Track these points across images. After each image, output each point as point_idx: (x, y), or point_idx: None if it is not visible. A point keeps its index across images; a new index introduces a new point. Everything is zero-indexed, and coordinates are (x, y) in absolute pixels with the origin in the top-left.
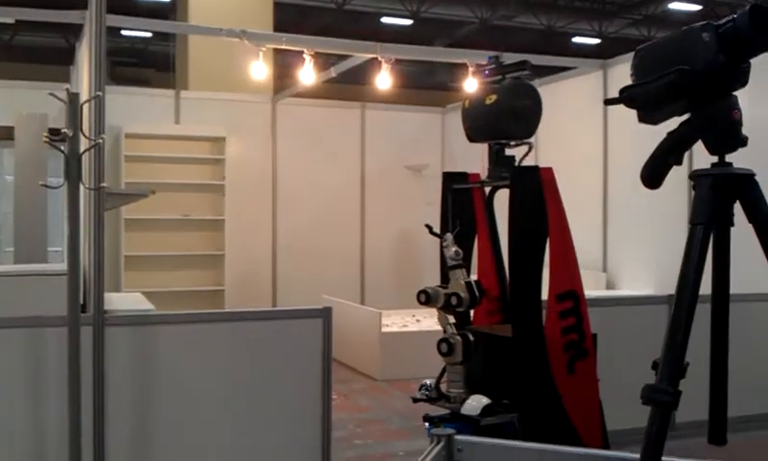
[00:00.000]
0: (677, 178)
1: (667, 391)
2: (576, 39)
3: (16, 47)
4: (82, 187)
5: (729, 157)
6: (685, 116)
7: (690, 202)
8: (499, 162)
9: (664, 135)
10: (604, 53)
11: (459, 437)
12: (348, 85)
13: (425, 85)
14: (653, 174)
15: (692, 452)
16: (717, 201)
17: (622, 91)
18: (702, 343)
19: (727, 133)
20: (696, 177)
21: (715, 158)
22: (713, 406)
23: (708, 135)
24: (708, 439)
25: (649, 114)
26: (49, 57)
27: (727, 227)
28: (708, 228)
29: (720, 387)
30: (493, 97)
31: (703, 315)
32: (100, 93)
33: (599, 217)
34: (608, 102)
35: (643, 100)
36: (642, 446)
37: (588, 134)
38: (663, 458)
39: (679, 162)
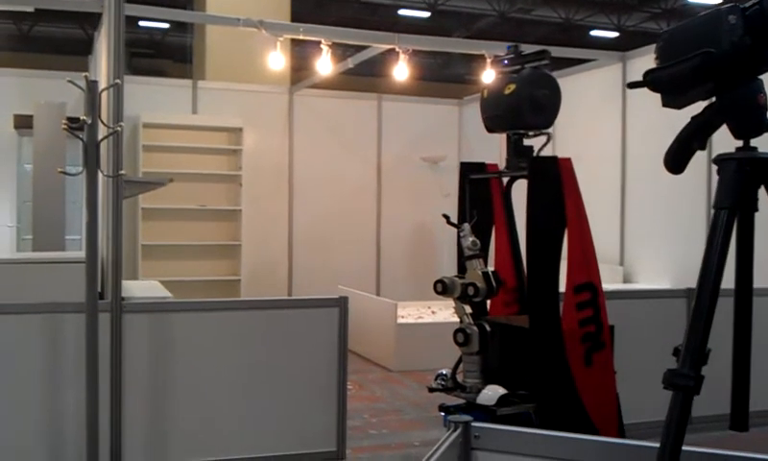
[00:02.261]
0: (696, 173)
1: (689, 375)
2: (594, 33)
3: (35, 38)
4: (100, 175)
5: (754, 142)
6: (710, 100)
7: (710, 196)
8: (517, 153)
9: (687, 122)
10: (622, 46)
11: (476, 424)
12: (365, 78)
13: (442, 78)
14: (676, 159)
15: (711, 445)
16: (742, 185)
17: (646, 75)
18: (720, 337)
19: (752, 117)
20: (720, 161)
21: (740, 143)
22: (735, 392)
23: (733, 119)
24: (729, 425)
25: (673, 98)
26: (67, 47)
27: (751, 212)
28: (732, 212)
29: (743, 373)
30: (512, 87)
31: (723, 308)
32: (119, 81)
33: (617, 211)
34: (631, 85)
35: (667, 83)
36: (663, 432)
37: (607, 128)
38: (683, 447)
39: (702, 147)
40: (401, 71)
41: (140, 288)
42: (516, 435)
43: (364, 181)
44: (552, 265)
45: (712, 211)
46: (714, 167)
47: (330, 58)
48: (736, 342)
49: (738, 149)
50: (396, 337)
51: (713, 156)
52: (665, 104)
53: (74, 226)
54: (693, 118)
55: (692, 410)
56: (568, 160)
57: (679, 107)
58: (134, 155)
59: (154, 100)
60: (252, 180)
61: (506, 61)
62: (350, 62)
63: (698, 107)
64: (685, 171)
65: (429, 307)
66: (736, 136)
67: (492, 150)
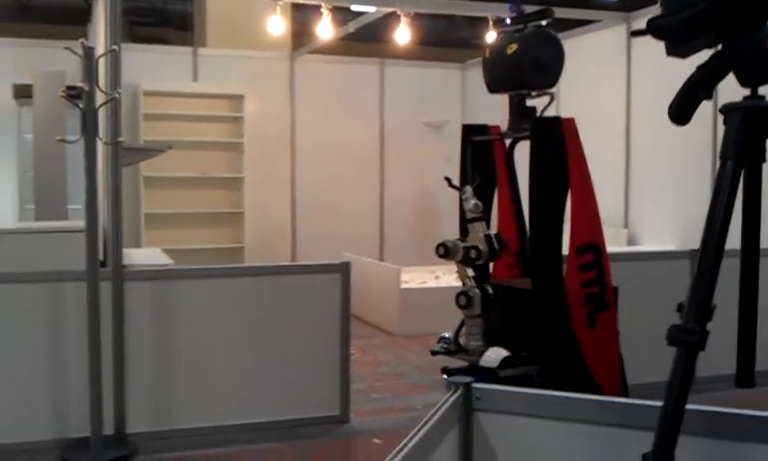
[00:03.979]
0: (701, 134)
1: (694, 330)
2: None
3: (34, 8)
4: (99, 142)
5: (762, 90)
6: (716, 48)
7: (715, 158)
8: (520, 113)
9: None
10: (626, 8)
11: (477, 385)
12: (367, 44)
13: (445, 43)
14: (681, 109)
15: (715, 403)
16: (748, 135)
17: (650, 22)
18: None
19: (759, 65)
20: (727, 110)
21: (747, 91)
22: (741, 348)
23: (740, 67)
24: (735, 383)
25: (677, 47)
26: (66, 17)
27: (758, 162)
28: (738, 163)
29: (749, 328)
30: (514, 46)
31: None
32: (116, 47)
33: (621, 173)
34: (634, 33)
35: (671, 31)
36: (665, 390)
37: (611, 89)
38: (687, 406)
39: (709, 97)
40: (403, 35)
41: (142, 256)
42: (518, 396)
43: (366, 147)
44: (555, 227)
45: (718, 163)
46: (720, 126)
47: (331, 22)
48: (742, 296)
49: (746, 98)
50: (399, 302)
51: (720, 106)
52: (670, 53)
53: (77, 195)
54: (698, 67)
55: (696, 370)
56: (572, 121)
57: (683, 56)
58: (135, 123)
59: (154, 68)
60: (253, 147)
61: (508, 21)
62: (351, 27)
63: (703, 56)
64: (690, 133)
65: (433, 272)
66: (743, 85)
67: (496, 114)
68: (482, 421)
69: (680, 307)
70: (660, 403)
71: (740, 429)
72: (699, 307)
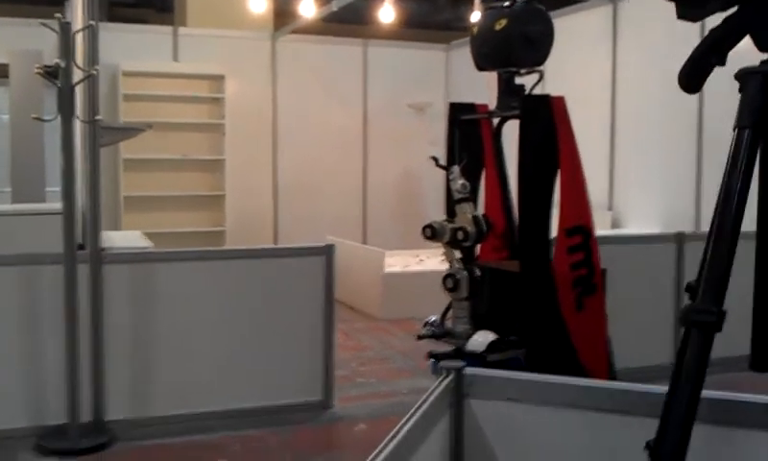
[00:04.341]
0: (687, 116)
1: (710, 310)
2: None
3: None
4: (76, 121)
5: None
6: (730, 11)
7: (700, 141)
8: (508, 91)
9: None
10: None
11: (469, 369)
12: (349, 25)
13: (428, 25)
14: (692, 76)
15: (727, 388)
16: (766, 102)
17: None
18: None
19: None
20: (743, 75)
21: (765, 56)
22: (756, 330)
23: (757, 30)
24: (749, 365)
25: (689, 9)
26: None
27: None
28: (756, 131)
29: (764, 309)
30: (503, 22)
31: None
32: (93, 22)
33: (606, 155)
34: None
35: None
36: (674, 375)
37: (596, 70)
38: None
39: (722, 62)
40: (387, 13)
41: (122, 239)
42: (511, 381)
43: (349, 129)
44: (544, 208)
45: (704, 145)
46: (707, 109)
47: (314, 2)
48: (758, 275)
49: (763, 62)
50: (382, 286)
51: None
52: (681, 15)
53: (55, 178)
54: (712, 30)
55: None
56: (561, 99)
57: (695, 19)
58: (114, 104)
59: (133, 48)
60: (234, 128)
61: None
62: (334, 6)
63: (716, 19)
64: (676, 115)
65: (416, 256)
66: (760, 48)
67: (480, 96)
68: (474, 407)
69: (689, 287)
70: (658, 388)
71: (748, 416)
72: (716, 285)
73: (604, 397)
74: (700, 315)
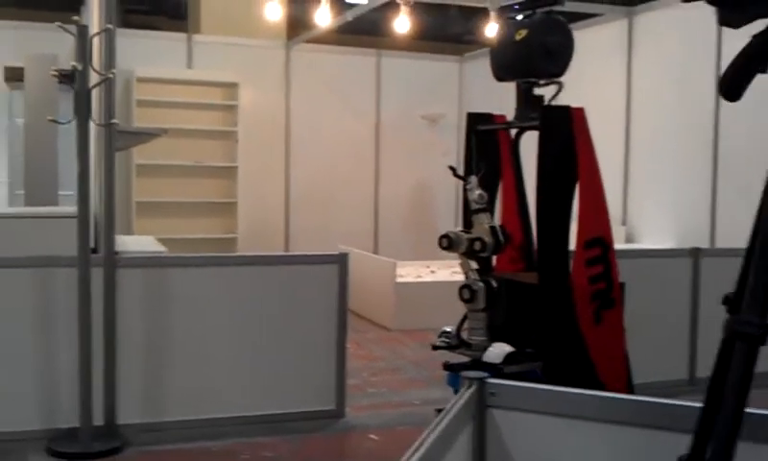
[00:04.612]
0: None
1: (752, 323)
2: None
3: None
4: (92, 124)
5: None
6: None
7: (716, 156)
8: (528, 102)
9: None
10: (628, 2)
11: (492, 380)
12: (363, 36)
13: (441, 38)
14: (733, 84)
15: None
16: None
17: None
18: None
19: None
20: None
21: None
22: None
23: None
24: None
25: (731, 13)
26: (58, 3)
27: None
28: None
29: None
30: (523, 32)
31: None
32: (110, 26)
33: (620, 170)
34: None
35: None
36: (710, 390)
37: (611, 85)
38: None
39: (764, 70)
40: (402, 24)
41: (135, 243)
42: (535, 392)
43: (362, 139)
44: (563, 220)
45: (719, 160)
46: (722, 123)
47: (329, 10)
48: None
49: None
50: (395, 296)
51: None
52: (722, 21)
53: (68, 182)
54: (754, 36)
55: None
56: (581, 111)
57: (737, 25)
58: (128, 109)
59: (148, 54)
60: (248, 136)
61: (517, 6)
62: (349, 16)
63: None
64: (691, 129)
65: (428, 267)
66: None
67: (495, 109)
68: (496, 418)
69: (726, 300)
70: (688, 403)
71: None
72: (762, 295)
73: (628, 410)
74: (744, 326)
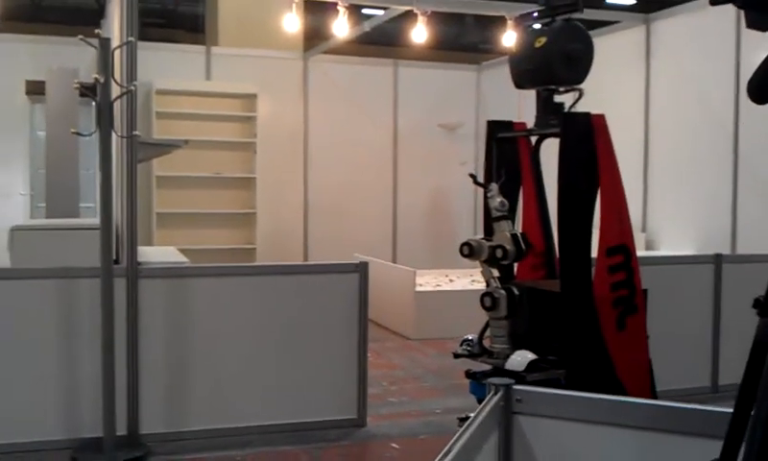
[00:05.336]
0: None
1: None
2: None
3: (47, 8)
4: (114, 136)
5: None
6: None
7: (736, 162)
8: (548, 110)
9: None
10: (643, 10)
11: (518, 387)
12: (380, 47)
13: (457, 47)
14: (763, 86)
15: None
16: None
17: None
18: None
19: None
20: None
21: None
22: None
23: None
24: None
25: (760, 17)
26: (79, 17)
27: None
28: None
29: None
30: (543, 40)
31: None
32: (132, 38)
33: (639, 176)
34: (714, 2)
35: None
36: (739, 392)
37: (630, 92)
38: None
39: None
40: (420, 34)
41: (157, 254)
42: (561, 399)
43: (380, 149)
44: (584, 226)
45: (739, 166)
46: (742, 130)
47: (346, 21)
48: None
49: None
50: (414, 305)
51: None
52: (750, 24)
53: (89, 194)
54: None
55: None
56: (602, 117)
57: (766, 28)
58: (148, 121)
59: (167, 66)
60: (266, 147)
61: (536, 14)
62: (366, 26)
63: None
64: (711, 135)
65: (447, 275)
66: None
67: (511, 116)
68: (523, 424)
69: (756, 303)
70: (714, 408)
71: None
72: None
73: (655, 416)
74: None
